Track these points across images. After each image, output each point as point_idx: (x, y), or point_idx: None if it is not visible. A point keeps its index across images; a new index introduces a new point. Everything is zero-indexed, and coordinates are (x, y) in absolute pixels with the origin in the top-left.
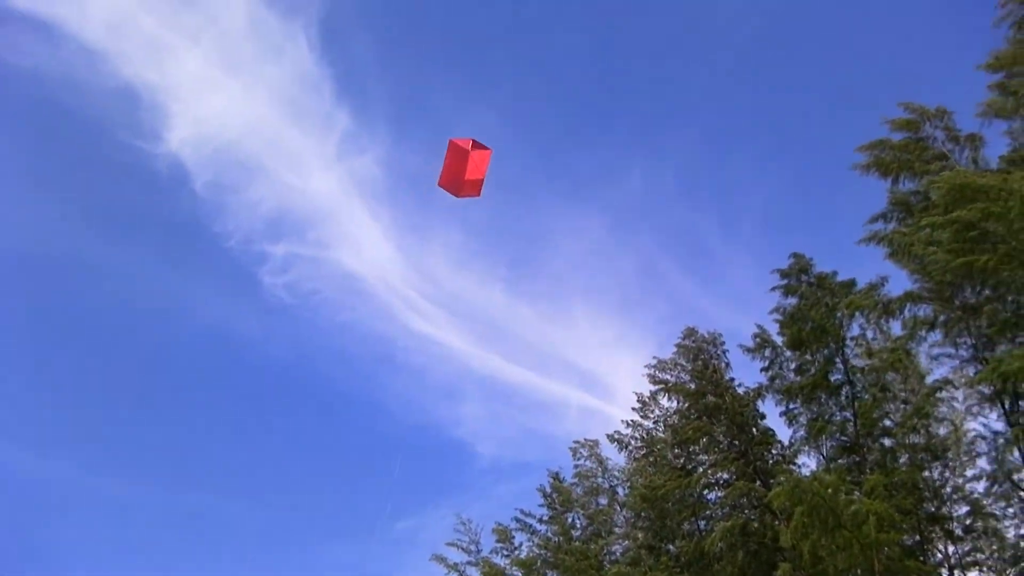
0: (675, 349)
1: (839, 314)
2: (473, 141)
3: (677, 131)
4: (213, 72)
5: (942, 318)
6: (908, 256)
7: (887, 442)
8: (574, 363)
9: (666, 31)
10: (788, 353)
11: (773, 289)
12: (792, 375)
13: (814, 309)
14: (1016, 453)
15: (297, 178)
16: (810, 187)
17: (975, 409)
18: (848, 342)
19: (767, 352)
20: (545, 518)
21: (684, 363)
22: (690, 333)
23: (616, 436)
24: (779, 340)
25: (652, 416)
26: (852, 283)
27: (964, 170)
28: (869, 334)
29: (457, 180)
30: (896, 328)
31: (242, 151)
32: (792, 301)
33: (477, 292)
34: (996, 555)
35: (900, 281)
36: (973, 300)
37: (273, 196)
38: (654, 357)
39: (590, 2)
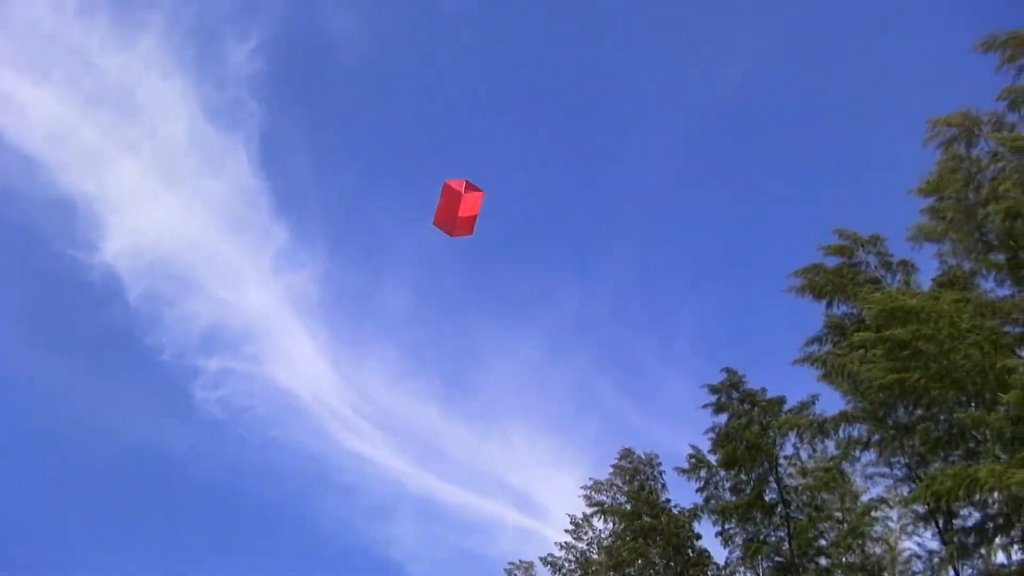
0: (611, 470)
1: (772, 433)
2: (467, 183)
3: (613, 252)
4: (151, 183)
5: (876, 437)
6: (842, 376)
7: (823, 562)
8: (510, 483)
9: (603, 151)
10: (723, 473)
11: (705, 406)
12: (727, 495)
13: (748, 428)
14: (951, 571)
15: (233, 292)
16: (745, 308)
17: (910, 528)
18: (781, 461)
19: (702, 472)
20: None
21: (620, 484)
22: (626, 454)
23: (550, 559)
24: (713, 459)
25: (586, 538)
26: (782, 400)
27: (895, 292)
28: (803, 453)
29: (450, 220)
30: (830, 447)
31: (178, 263)
32: (723, 418)
33: (412, 410)
34: None
35: (833, 402)
36: (906, 419)
37: (208, 310)
38: (590, 478)
39: (525, 121)
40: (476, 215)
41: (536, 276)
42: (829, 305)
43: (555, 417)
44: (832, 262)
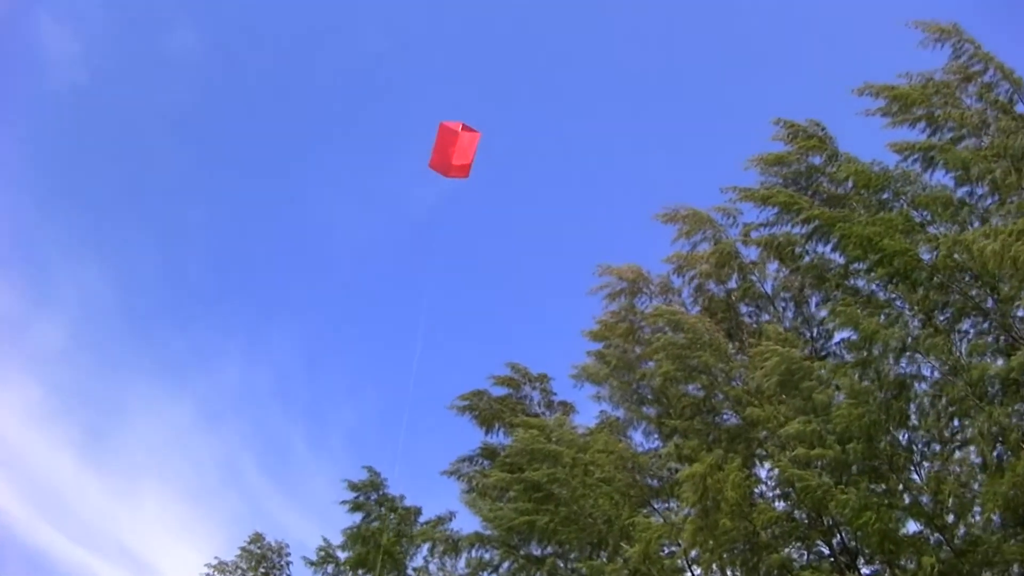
0: (239, 552)
1: (405, 542)
2: (463, 124)
3: (280, 330)
4: None
5: (507, 564)
6: (482, 499)
7: None
8: (132, 549)
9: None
10: (350, 573)
11: (343, 502)
12: None
13: (382, 532)
14: None
15: None
16: (401, 415)
17: None
18: (410, 571)
19: (329, 568)
20: None
21: (244, 568)
22: (256, 539)
23: None
24: (343, 556)
25: None
26: (419, 511)
27: (537, 434)
28: (432, 567)
29: (446, 161)
30: (461, 566)
31: None
32: (358, 517)
33: (45, 455)
34: None
35: (471, 521)
36: (538, 552)
37: None
38: (216, 557)
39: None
40: (473, 156)
41: (199, 338)
42: (488, 431)
43: (195, 487)
44: (499, 391)
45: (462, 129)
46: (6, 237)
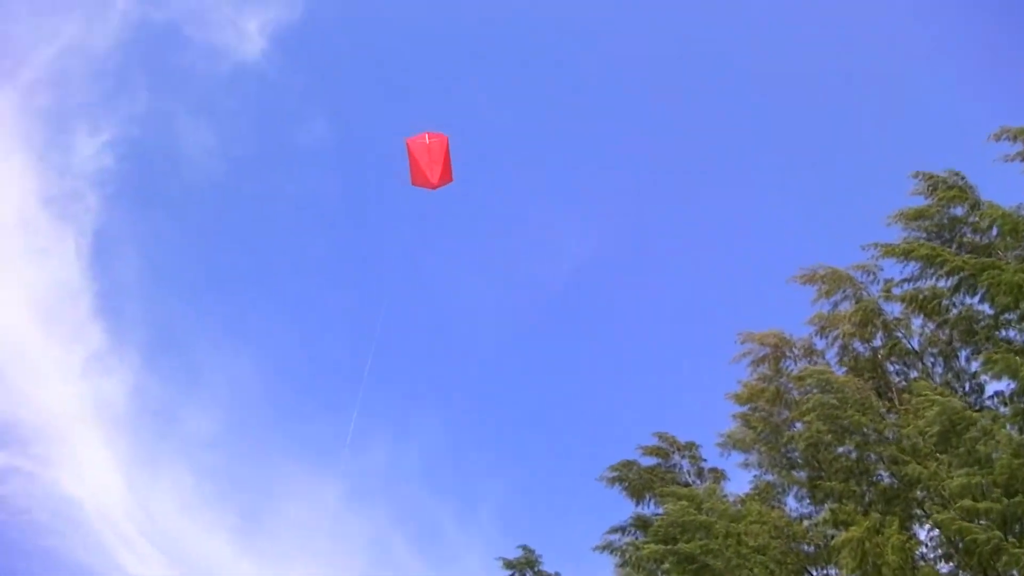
0: None
1: None
2: (428, 133)
3: (425, 409)
4: None
5: None
6: (636, 572)
7: None
8: None
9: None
10: None
11: None
12: None
13: None
14: None
15: (34, 387)
16: (554, 487)
17: None
18: None
19: None
20: None
21: None
22: None
23: None
24: None
25: None
26: None
27: (687, 505)
28: None
29: (425, 175)
30: None
31: None
32: None
33: (201, 539)
34: None
35: None
36: None
37: (3, 401)
38: None
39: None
40: (448, 159)
41: (347, 421)
42: (638, 502)
43: (345, 568)
44: (648, 461)
45: (429, 139)
46: (156, 328)
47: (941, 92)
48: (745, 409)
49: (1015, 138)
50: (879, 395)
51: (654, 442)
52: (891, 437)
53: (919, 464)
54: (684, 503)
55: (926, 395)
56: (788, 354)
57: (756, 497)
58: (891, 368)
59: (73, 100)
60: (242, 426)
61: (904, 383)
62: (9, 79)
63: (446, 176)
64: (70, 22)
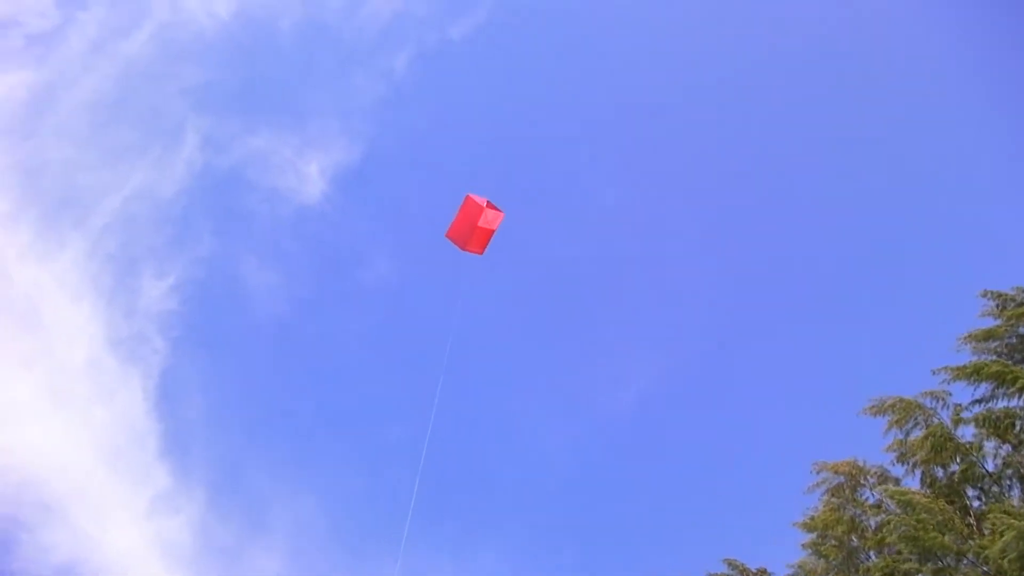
0: None
1: None
2: (488, 201)
3: (487, 544)
4: (39, 403)
5: None
6: None
7: None
8: None
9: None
10: None
11: None
12: None
13: None
14: None
15: (100, 528)
16: None
17: None
18: None
19: None
20: None
21: None
22: None
23: None
24: None
25: None
26: None
27: None
28: None
29: (465, 235)
30: None
31: (48, 488)
32: None
33: None
34: None
35: None
36: None
37: (70, 542)
38: None
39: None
40: (492, 233)
41: (411, 558)
42: None
43: None
44: None
45: (487, 206)
46: (222, 469)
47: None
48: (815, 537)
49: None
50: (961, 519)
51: (723, 569)
52: (968, 562)
53: None
54: None
55: (1002, 517)
56: (863, 482)
57: None
58: (970, 493)
59: (140, 244)
60: (307, 566)
61: (983, 507)
62: (80, 226)
63: (480, 246)
64: (138, 169)
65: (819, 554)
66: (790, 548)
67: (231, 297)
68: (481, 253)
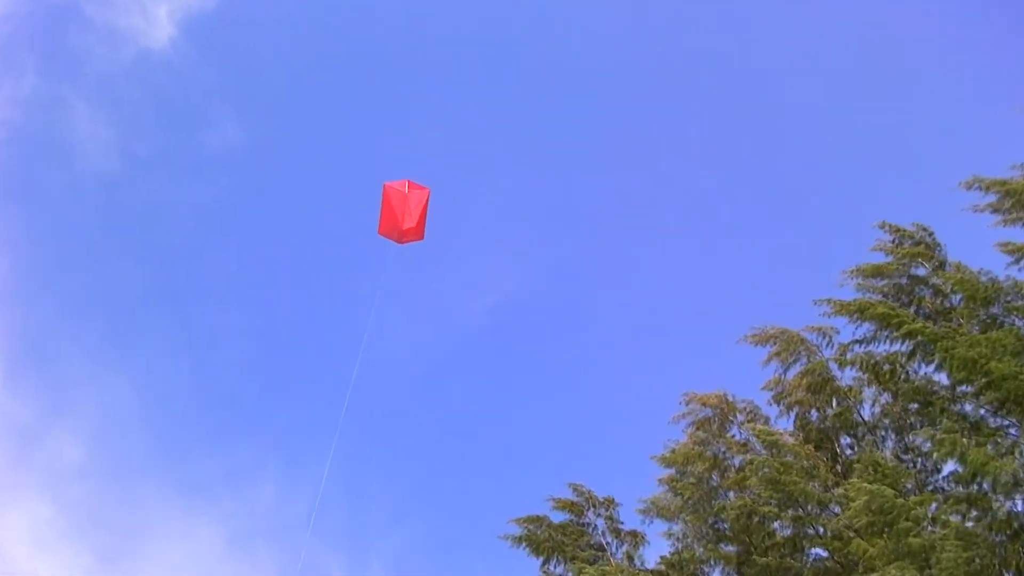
0: None
1: None
2: (409, 182)
3: (320, 449)
4: None
5: None
6: None
7: None
8: None
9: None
10: None
11: None
12: None
13: None
14: None
15: None
16: (451, 543)
17: None
18: None
19: None
20: None
21: None
22: None
23: None
24: None
25: None
26: None
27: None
28: None
29: (397, 226)
30: None
31: None
32: None
33: None
34: None
35: None
36: None
37: None
38: None
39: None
40: (424, 215)
41: (233, 456)
42: (545, 562)
43: None
44: (559, 517)
45: (409, 188)
46: (22, 338)
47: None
48: (673, 472)
49: (987, 189)
50: (829, 467)
51: (568, 494)
52: (836, 512)
53: (865, 542)
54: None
55: (856, 481)
56: (732, 419)
57: (678, 567)
58: (845, 441)
59: None
60: (113, 455)
61: (855, 456)
62: None
63: (417, 233)
64: None
65: (675, 491)
66: (647, 483)
67: (53, 146)
68: (421, 239)
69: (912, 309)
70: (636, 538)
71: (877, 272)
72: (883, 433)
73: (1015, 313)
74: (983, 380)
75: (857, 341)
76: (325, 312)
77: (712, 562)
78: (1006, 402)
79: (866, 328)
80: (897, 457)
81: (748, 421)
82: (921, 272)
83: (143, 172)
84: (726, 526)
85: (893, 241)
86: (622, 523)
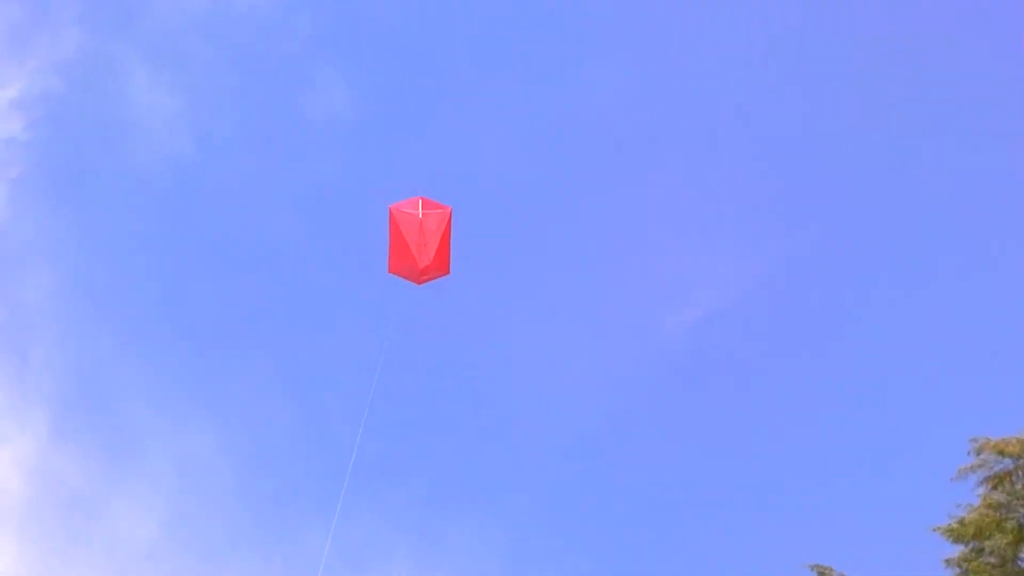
0: None
1: None
2: (423, 200)
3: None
4: None
5: None
6: None
7: None
8: None
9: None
10: None
11: None
12: None
13: None
14: None
15: None
16: None
17: None
18: None
19: None
20: None
21: None
22: None
23: None
24: None
25: None
26: None
27: None
28: None
29: (412, 262)
30: None
31: None
32: None
33: None
34: None
35: None
36: None
37: None
38: None
39: None
40: (448, 244)
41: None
42: None
43: None
44: None
45: (423, 210)
46: (75, 378)
47: None
48: (964, 550)
49: None
50: None
51: None
52: None
53: None
54: None
55: None
56: None
57: None
58: None
59: None
60: (194, 533)
61: None
62: None
63: (440, 267)
64: None
65: (969, 574)
66: (928, 565)
67: (104, 122)
68: (447, 273)
69: None
70: None
71: None
72: None
73: None
74: None
75: None
76: (471, 343)
77: None
78: None
79: None
80: None
81: None
82: None
83: (221, 155)
84: None
85: None
86: None
